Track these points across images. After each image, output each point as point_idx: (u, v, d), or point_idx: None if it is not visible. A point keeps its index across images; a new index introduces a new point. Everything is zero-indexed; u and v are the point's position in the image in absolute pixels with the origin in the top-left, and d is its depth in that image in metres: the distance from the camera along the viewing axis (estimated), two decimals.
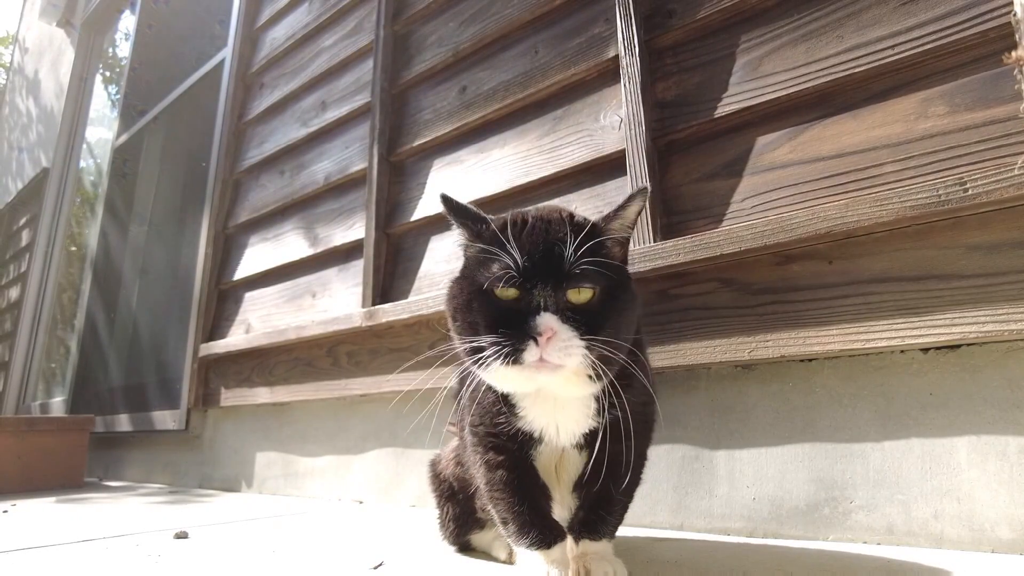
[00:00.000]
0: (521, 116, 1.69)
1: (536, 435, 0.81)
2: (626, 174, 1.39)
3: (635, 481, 0.86)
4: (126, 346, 3.30)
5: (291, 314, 2.21)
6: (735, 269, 1.20)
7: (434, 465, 1.06)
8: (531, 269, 0.67)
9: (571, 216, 0.77)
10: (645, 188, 0.78)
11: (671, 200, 1.34)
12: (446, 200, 0.79)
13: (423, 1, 2.06)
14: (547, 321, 0.65)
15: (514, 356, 0.66)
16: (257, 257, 2.46)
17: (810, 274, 1.11)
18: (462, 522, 1.00)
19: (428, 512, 1.55)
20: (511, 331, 0.67)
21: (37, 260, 4.49)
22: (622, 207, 0.76)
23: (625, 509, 0.86)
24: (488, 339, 0.68)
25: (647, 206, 1.32)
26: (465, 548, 1.03)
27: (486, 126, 1.78)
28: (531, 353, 0.65)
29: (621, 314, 0.72)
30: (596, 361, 0.68)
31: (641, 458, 0.87)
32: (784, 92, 1.22)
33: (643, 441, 0.87)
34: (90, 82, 4.86)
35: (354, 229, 2.05)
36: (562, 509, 0.86)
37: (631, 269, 1.26)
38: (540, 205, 0.80)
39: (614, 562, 0.79)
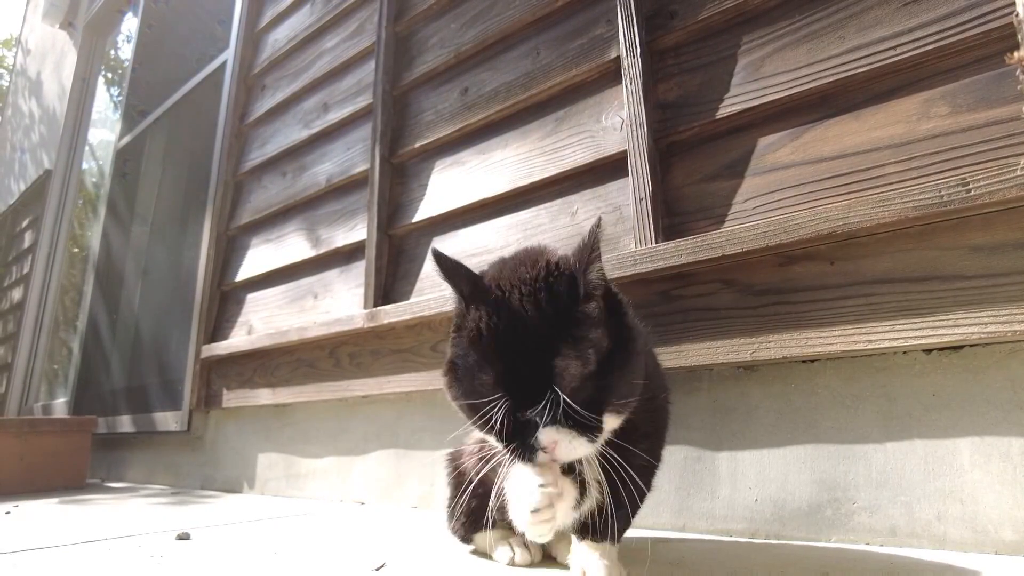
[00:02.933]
0: (523, 117, 1.69)
1: None
2: (628, 175, 1.39)
3: (644, 486, 0.84)
4: (128, 347, 3.30)
5: (293, 315, 2.21)
6: (737, 270, 1.20)
7: (454, 458, 1.05)
8: (521, 391, 0.66)
9: (552, 293, 0.69)
10: (599, 219, 0.73)
11: (673, 201, 1.34)
12: (438, 257, 0.75)
13: (425, 2, 2.06)
14: (548, 436, 0.66)
15: (525, 458, 0.68)
16: (259, 258, 2.46)
17: (812, 275, 1.11)
18: (475, 517, 0.99)
19: (430, 513, 1.56)
20: (515, 441, 0.68)
21: (40, 262, 4.50)
22: (594, 248, 0.69)
23: (632, 513, 0.85)
24: (495, 443, 0.70)
25: (649, 207, 1.32)
26: (467, 542, 1.03)
27: (488, 127, 1.78)
28: (541, 457, 0.68)
29: (620, 383, 0.70)
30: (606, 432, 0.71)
31: (652, 463, 0.86)
32: (786, 93, 1.22)
33: (654, 444, 0.85)
34: (92, 84, 4.87)
35: (356, 230, 2.05)
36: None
37: (633, 271, 1.27)
38: (520, 263, 0.73)
39: (613, 565, 0.79)
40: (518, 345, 0.67)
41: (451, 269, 0.75)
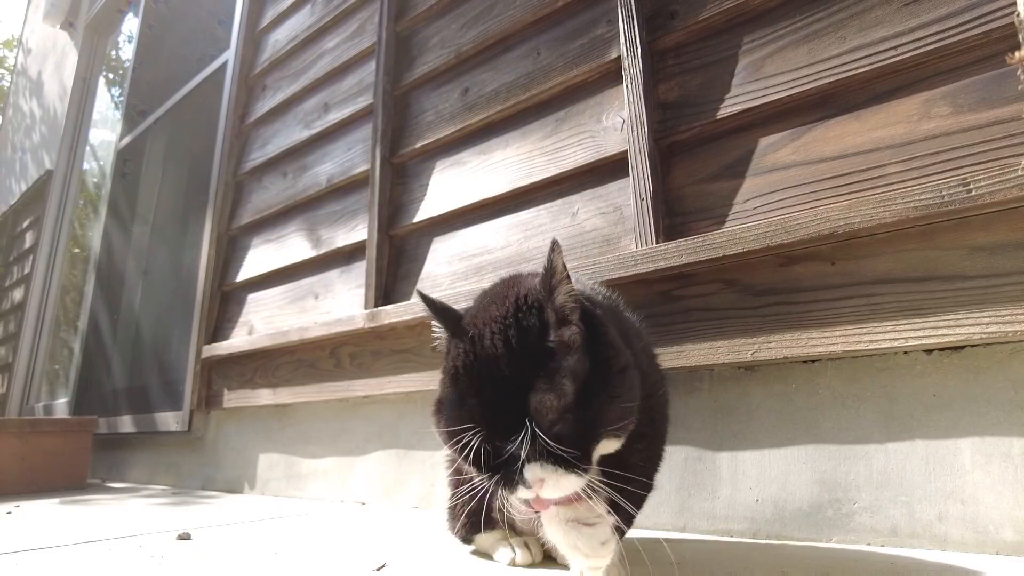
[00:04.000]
0: (523, 118, 1.69)
1: None
2: (628, 175, 1.39)
3: (646, 486, 0.84)
4: (129, 347, 3.30)
5: (294, 316, 2.22)
6: (738, 270, 1.20)
7: (455, 458, 1.04)
8: (498, 426, 0.64)
9: (522, 328, 0.67)
10: (553, 241, 0.68)
11: (673, 201, 1.34)
12: (425, 298, 0.76)
13: (426, 3, 2.06)
14: (533, 473, 0.64)
15: (511, 490, 0.66)
16: (260, 259, 2.46)
17: (813, 275, 1.11)
18: (476, 517, 0.99)
19: (430, 514, 1.56)
20: (500, 474, 0.66)
21: (40, 262, 4.51)
22: (555, 273, 0.68)
23: (634, 513, 0.85)
24: (479, 477, 0.68)
25: (650, 207, 1.33)
26: (468, 543, 1.03)
27: (488, 127, 1.78)
28: (527, 494, 0.66)
29: (610, 409, 0.68)
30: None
31: (653, 460, 0.85)
32: (787, 93, 1.22)
33: (653, 443, 0.85)
34: (93, 84, 4.87)
35: (356, 231, 2.05)
36: None
37: (634, 271, 1.27)
38: (492, 301, 0.72)
39: (613, 566, 0.78)
40: (493, 383, 0.66)
41: (439, 309, 0.76)
